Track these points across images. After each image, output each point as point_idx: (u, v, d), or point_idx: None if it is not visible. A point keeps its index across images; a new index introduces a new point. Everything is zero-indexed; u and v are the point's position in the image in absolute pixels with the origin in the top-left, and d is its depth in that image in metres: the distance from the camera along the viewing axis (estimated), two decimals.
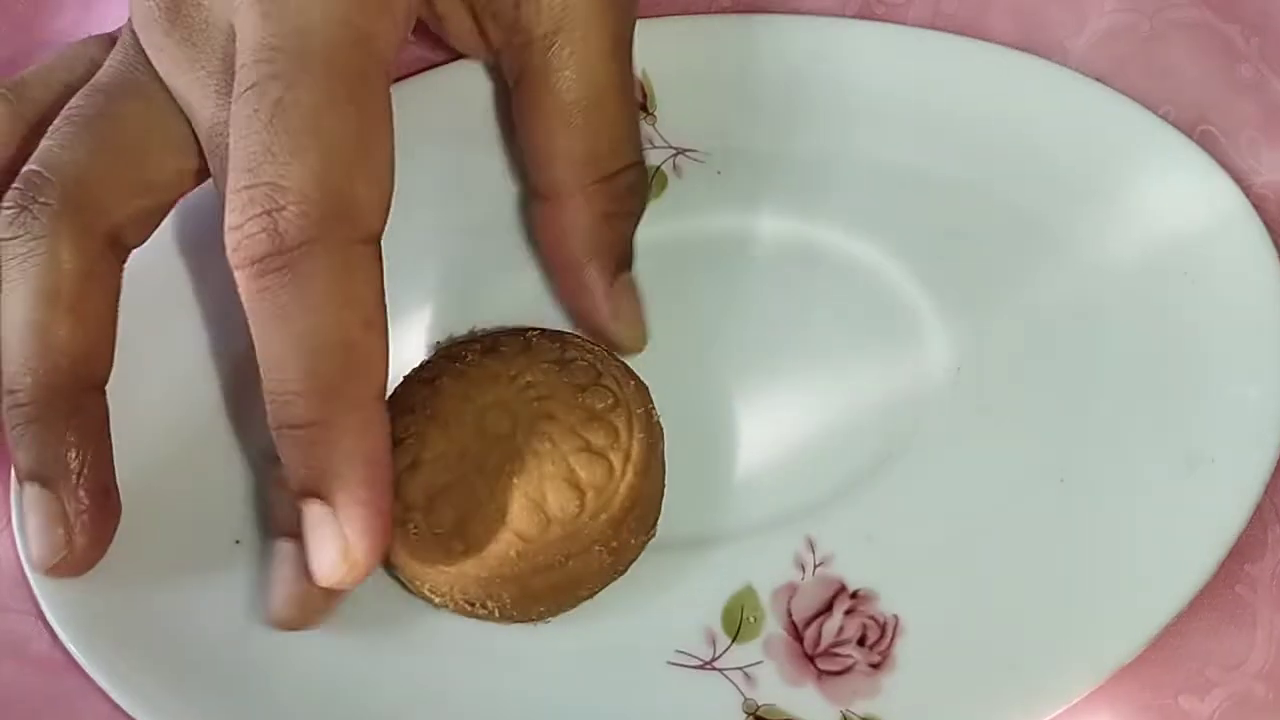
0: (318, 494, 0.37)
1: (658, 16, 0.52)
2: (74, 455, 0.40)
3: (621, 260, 0.45)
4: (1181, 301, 0.47)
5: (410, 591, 0.42)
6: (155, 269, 0.46)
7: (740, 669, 0.42)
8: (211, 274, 0.47)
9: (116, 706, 0.41)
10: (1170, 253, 0.48)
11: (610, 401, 0.43)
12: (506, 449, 0.41)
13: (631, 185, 0.45)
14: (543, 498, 0.41)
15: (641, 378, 0.44)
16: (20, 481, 0.40)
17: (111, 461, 0.42)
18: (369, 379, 0.38)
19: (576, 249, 0.44)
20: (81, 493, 0.40)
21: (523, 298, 0.48)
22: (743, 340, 0.48)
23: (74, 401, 0.41)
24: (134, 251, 0.43)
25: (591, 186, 0.43)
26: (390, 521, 0.38)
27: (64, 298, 0.40)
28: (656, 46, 0.51)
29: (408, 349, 0.46)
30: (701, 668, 0.42)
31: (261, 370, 0.37)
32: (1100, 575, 0.43)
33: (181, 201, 0.45)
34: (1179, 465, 0.44)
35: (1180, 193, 0.48)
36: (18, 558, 0.42)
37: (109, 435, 0.42)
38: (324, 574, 0.37)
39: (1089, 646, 0.42)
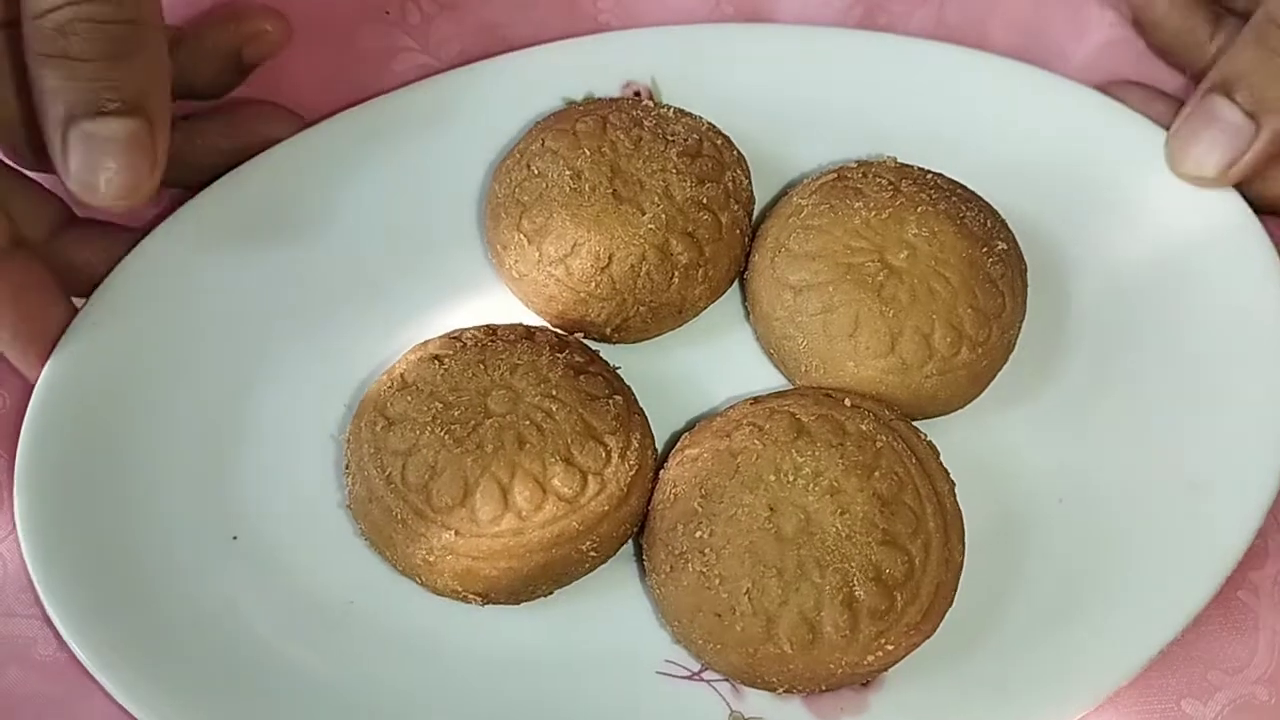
0: None
1: (666, 25, 0.52)
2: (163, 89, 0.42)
3: None
4: (1184, 318, 0.46)
5: (399, 572, 0.43)
6: (162, 278, 0.47)
7: (727, 681, 0.42)
8: (215, 281, 0.47)
9: (117, 709, 0.41)
10: (1172, 268, 0.47)
11: (607, 392, 0.43)
12: (507, 431, 0.42)
13: None
14: (544, 477, 0.41)
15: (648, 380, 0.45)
16: (90, 117, 0.40)
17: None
18: None
19: None
20: (165, 124, 0.41)
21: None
22: (744, 344, 0.48)
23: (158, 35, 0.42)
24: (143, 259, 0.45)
25: None
26: None
27: None
28: (665, 53, 0.51)
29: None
30: (690, 678, 0.42)
31: None
32: (1093, 599, 0.42)
33: (189, 219, 0.47)
34: (1180, 489, 0.44)
35: (1182, 206, 0.48)
36: (23, 562, 0.42)
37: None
38: None
39: (1079, 670, 0.41)
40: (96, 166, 0.40)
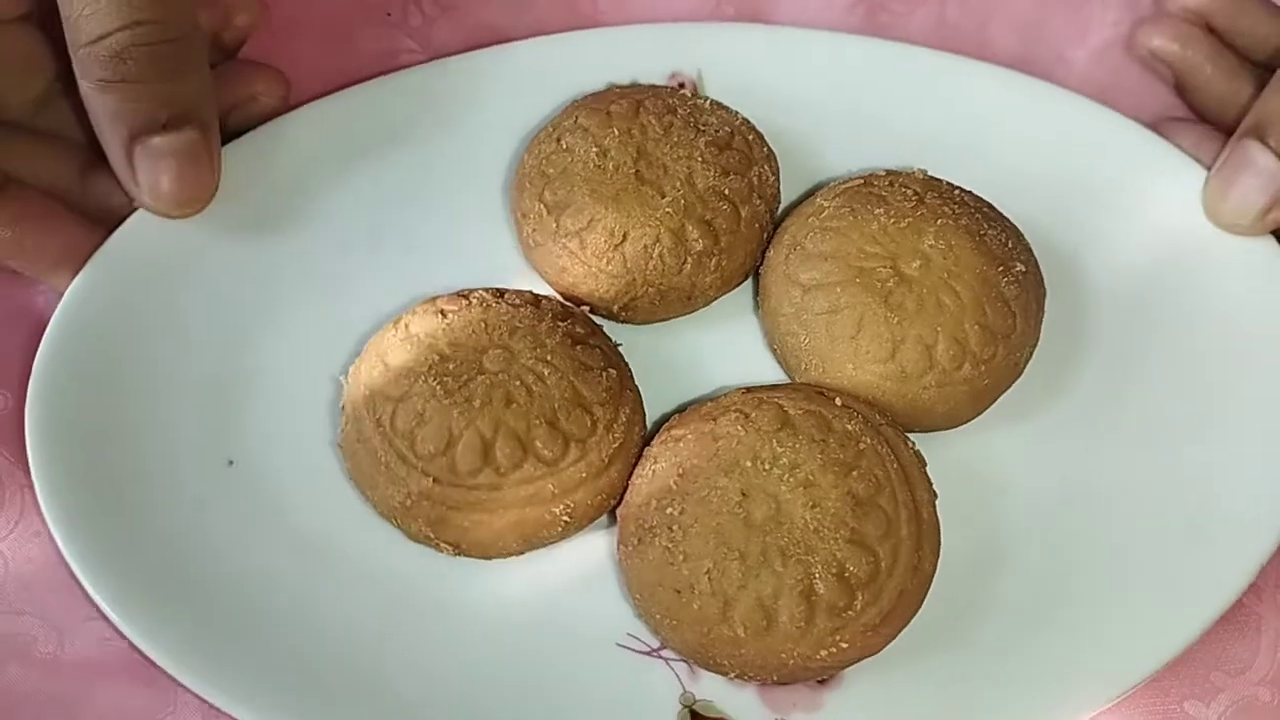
0: None
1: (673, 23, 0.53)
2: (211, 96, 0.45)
3: None
4: (1196, 345, 0.46)
5: (379, 515, 0.43)
6: (163, 247, 0.47)
7: (685, 661, 0.42)
8: (238, 227, 0.48)
9: (116, 706, 0.42)
10: (1188, 294, 0.47)
11: (602, 364, 0.44)
12: (497, 389, 0.42)
13: None
14: (526, 437, 0.42)
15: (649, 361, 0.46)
16: (152, 134, 0.43)
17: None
18: None
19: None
20: (216, 129, 0.45)
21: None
22: (750, 336, 0.48)
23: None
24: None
25: None
26: None
27: None
28: (713, 48, 0.52)
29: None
30: (648, 654, 0.42)
31: None
32: (1075, 623, 0.42)
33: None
34: (1179, 524, 0.43)
35: (1199, 236, 0.48)
36: (23, 561, 0.44)
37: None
38: None
39: (1047, 692, 0.41)
40: (164, 179, 0.45)
